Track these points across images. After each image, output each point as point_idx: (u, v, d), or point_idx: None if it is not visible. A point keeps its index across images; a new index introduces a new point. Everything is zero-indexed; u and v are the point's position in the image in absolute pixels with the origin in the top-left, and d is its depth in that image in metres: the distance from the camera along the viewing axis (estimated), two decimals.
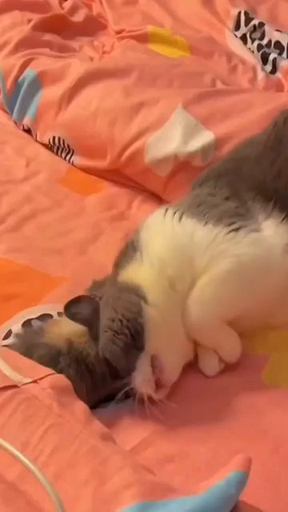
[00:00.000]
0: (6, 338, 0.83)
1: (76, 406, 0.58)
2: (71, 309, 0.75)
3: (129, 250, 0.81)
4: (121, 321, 0.71)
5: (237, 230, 0.77)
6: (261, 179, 0.83)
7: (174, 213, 0.80)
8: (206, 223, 0.77)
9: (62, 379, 0.62)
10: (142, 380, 0.69)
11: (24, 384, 0.59)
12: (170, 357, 0.71)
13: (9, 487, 0.49)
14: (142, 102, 1.11)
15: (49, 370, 0.63)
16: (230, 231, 0.77)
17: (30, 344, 0.73)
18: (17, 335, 0.79)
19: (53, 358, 0.71)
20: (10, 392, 0.58)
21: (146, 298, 0.73)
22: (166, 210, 0.82)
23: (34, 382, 0.60)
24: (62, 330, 0.76)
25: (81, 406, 0.59)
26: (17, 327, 0.84)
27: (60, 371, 0.67)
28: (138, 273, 0.76)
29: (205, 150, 1.02)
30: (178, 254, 0.77)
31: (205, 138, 1.02)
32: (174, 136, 1.04)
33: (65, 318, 0.76)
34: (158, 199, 1.11)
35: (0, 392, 0.58)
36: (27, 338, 0.76)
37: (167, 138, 1.05)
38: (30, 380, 0.60)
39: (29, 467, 0.49)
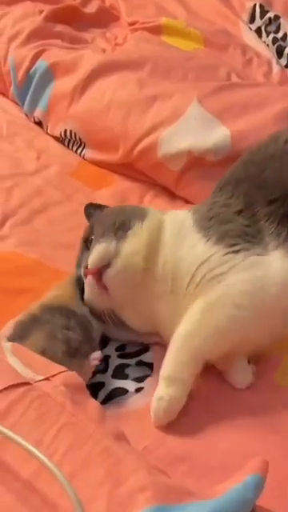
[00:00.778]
0: None
1: (89, 405, 0.57)
2: (90, 208, 0.89)
3: None
4: (120, 212, 0.80)
5: (237, 252, 0.72)
6: (285, 181, 0.78)
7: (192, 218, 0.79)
8: (208, 240, 0.74)
9: (74, 377, 0.61)
10: (101, 250, 0.74)
11: (36, 381, 0.58)
12: (124, 272, 0.73)
13: (24, 485, 0.49)
14: (156, 95, 1.09)
15: (61, 368, 0.62)
16: (228, 253, 0.72)
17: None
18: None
19: (32, 323, 0.74)
20: (22, 389, 0.57)
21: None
22: (189, 211, 0.81)
23: (47, 379, 0.59)
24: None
25: (94, 405, 0.58)
26: None
27: (46, 324, 0.72)
28: (152, 212, 0.81)
29: (219, 146, 1.00)
30: (171, 260, 0.75)
31: (220, 133, 1.00)
32: (189, 131, 1.03)
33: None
34: (170, 194, 1.10)
35: (12, 389, 0.57)
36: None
37: (181, 132, 1.03)
38: (43, 377, 0.59)
39: (45, 463, 0.47)
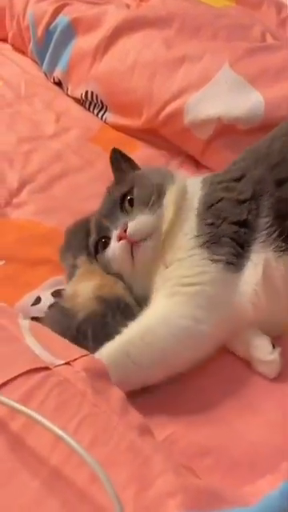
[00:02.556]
0: (34, 304, 0.80)
1: (112, 394, 0.53)
2: (117, 154, 0.85)
3: None
4: (156, 178, 0.79)
5: (216, 261, 0.70)
6: None
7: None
8: (198, 238, 0.72)
9: (96, 361, 0.57)
10: (145, 223, 0.74)
11: (56, 366, 0.55)
12: (156, 247, 0.73)
13: (51, 472, 0.45)
14: (184, 56, 1.03)
15: (82, 351, 0.58)
16: (207, 259, 0.70)
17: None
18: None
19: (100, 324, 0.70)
20: (41, 374, 0.53)
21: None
22: (204, 179, 0.79)
23: (67, 363, 0.55)
24: (81, 297, 0.75)
25: (116, 394, 0.54)
26: (46, 295, 0.81)
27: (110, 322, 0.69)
28: (178, 180, 0.80)
29: (252, 114, 0.93)
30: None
31: (253, 100, 0.94)
32: (219, 96, 0.97)
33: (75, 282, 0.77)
34: (196, 163, 1.05)
35: (31, 374, 0.53)
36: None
37: (211, 98, 0.97)
38: (63, 361, 0.55)
39: (75, 448, 0.44)
